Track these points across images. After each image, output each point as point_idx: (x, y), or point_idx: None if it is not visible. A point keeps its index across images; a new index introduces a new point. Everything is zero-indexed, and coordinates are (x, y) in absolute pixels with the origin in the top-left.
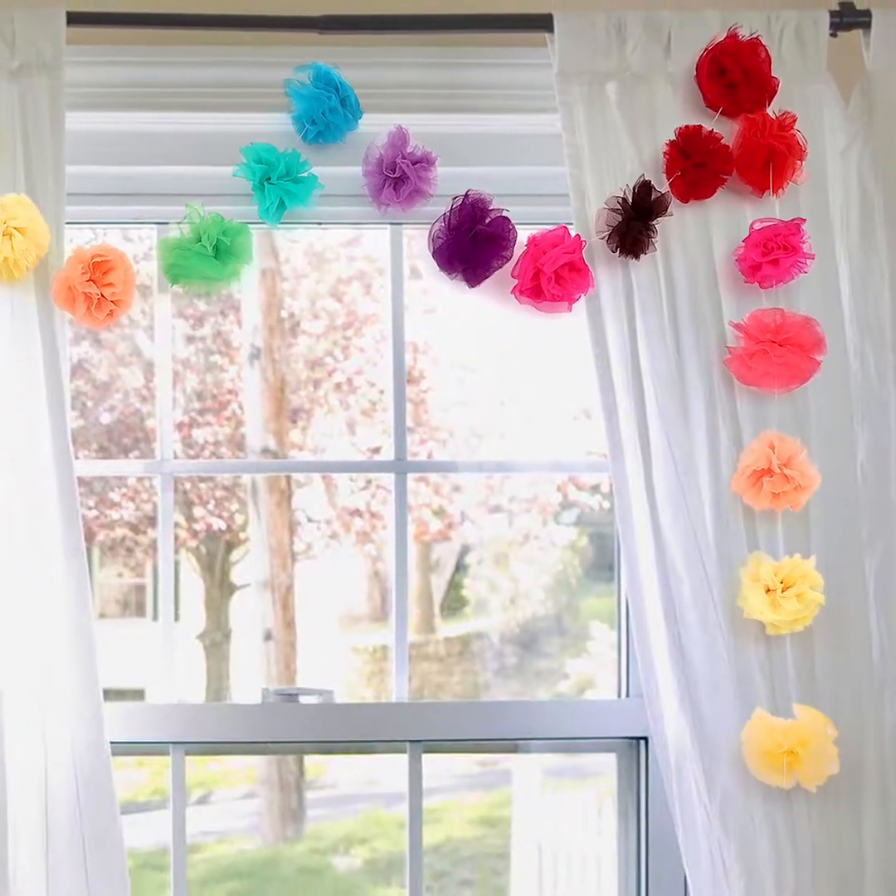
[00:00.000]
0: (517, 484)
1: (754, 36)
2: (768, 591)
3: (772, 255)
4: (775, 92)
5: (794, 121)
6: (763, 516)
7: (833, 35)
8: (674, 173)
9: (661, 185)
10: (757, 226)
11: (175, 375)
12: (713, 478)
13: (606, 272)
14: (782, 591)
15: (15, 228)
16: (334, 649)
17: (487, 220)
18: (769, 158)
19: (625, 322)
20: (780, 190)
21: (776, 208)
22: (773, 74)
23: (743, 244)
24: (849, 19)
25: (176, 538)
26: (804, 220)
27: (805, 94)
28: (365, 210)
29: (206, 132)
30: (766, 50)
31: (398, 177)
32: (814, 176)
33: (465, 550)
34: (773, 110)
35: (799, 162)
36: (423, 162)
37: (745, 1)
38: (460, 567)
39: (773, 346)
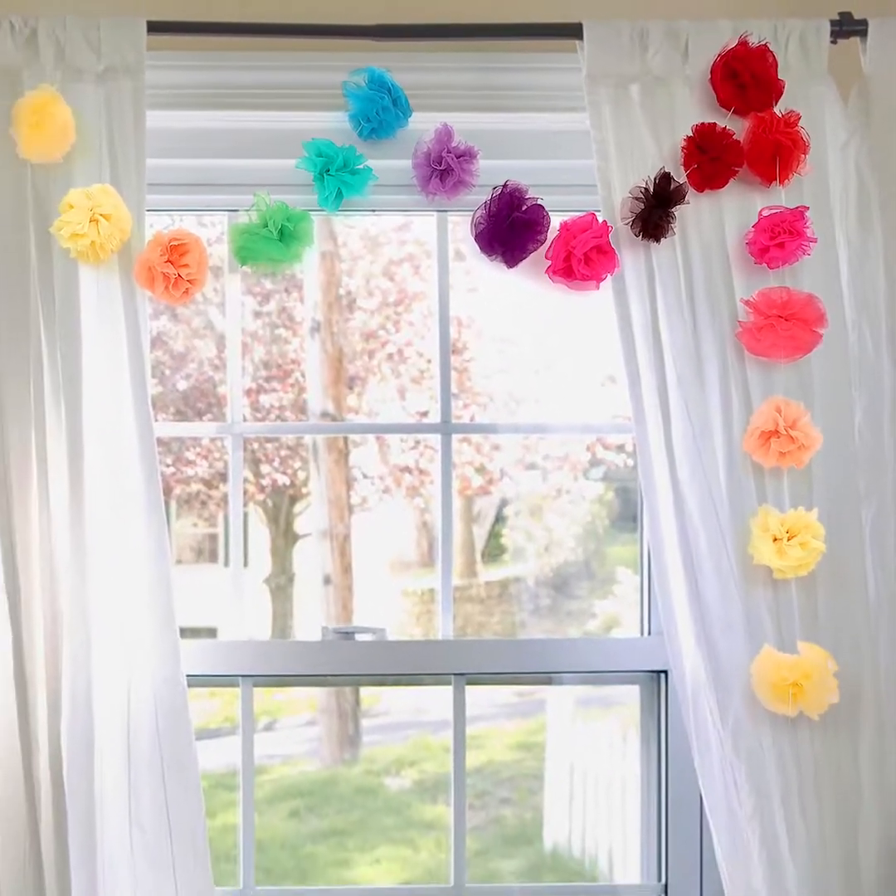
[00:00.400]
0: (550, 444)
1: (763, 43)
2: (775, 539)
3: (778, 238)
4: (781, 93)
5: (799, 119)
6: (771, 473)
7: (833, 42)
8: (691, 166)
9: (680, 177)
10: (765, 213)
11: (244, 346)
12: (726, 438)
13: (630, 254)
14: (788, 540)
15: (101, 215)
16: (387, 592)
17: (524, 208)
18: (776, 152)
19: (647, 299)
20: (786, 181)
21: (782, 197)
22: (779, 77)
23: (752, 229)
24: (848, 27)
25: (245, 492)
26: (807, 207)
27: (808, 94)
28: (414, 199)
29: (272, 129)
30: (774, 55)
31: (444, 169)
32: (816, 168)
33: (503, 503)
34: (779, 109)
35: (803, 156)
36: (466, 155)
37: (754, 11)
38: (499, 518)
39: (780, 321)
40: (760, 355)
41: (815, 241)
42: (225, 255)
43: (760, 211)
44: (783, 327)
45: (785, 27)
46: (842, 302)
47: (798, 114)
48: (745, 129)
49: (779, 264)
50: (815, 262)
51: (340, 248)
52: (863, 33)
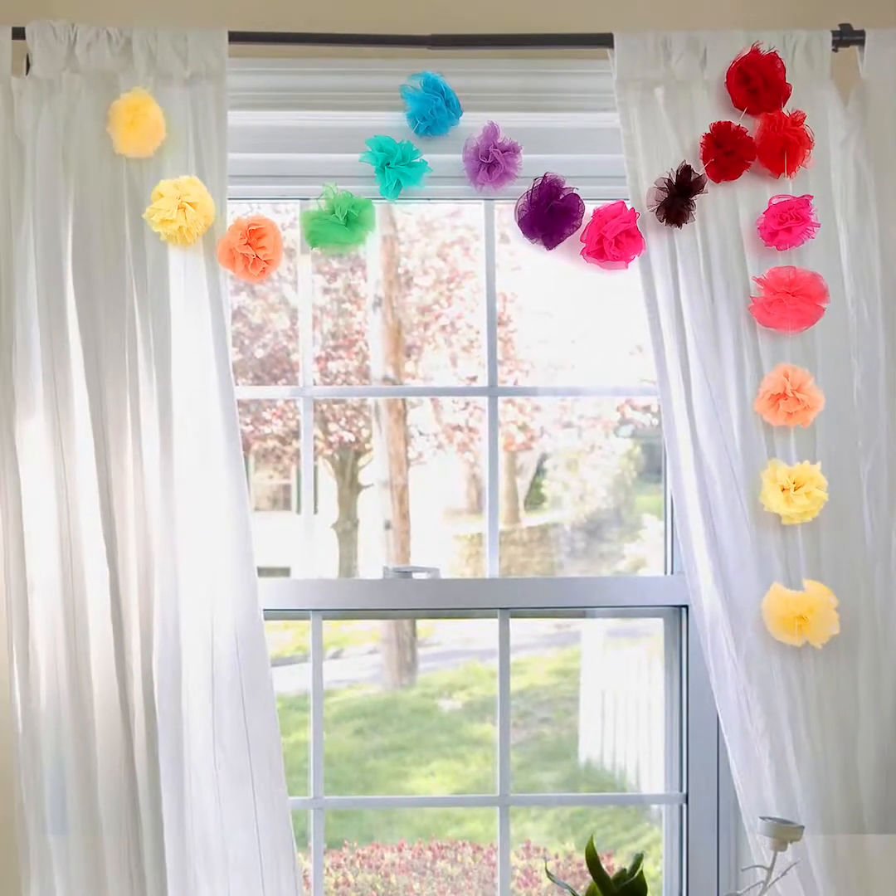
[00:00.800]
0: (585, 405)
1: (772, 51)
2: (784, 489)
3: (786, 223)
4: (789, 95)
5: (804, 118)
6: (779, 431)
7: (835, 50)
8: (709, 159)
9: (699, 169)
10: (774, 201)
11: (314, 319)
12: (740, 400)
13: (655, 238)
14: (794, 490)
15: (188, 203)
16: (440, 536)
17: (561, 197)
18: (784, 148)
19: (670, 277)
20: (793, 173)
21: (789, 187)
22: (787, 81)
23: (763, 215)
24: (847, 37)
25: (315, 448)
26: (812, 196)
27: (812, 97)
28: (464, 188)
29: (339, 127)
30: (782, 61)
31: (491, 162)
32: (819, 162)
33: (543, 457)
34: (787, 109)
35: (808, 151)
36: (511, 151)
37: (765, 22)
38: (539, 470)
39: (788, 296)
40: (770, 327)
41: (819, 226)
42: (297, 238)
43: (770, 199)
44: (790, 302)
45: (792, 37)
46: (842, 280)
47: (803, 113)
48: (756, 128)
49: (786, 246)
50: (818, 244)
51: (399, 232)
52: (861, 43)
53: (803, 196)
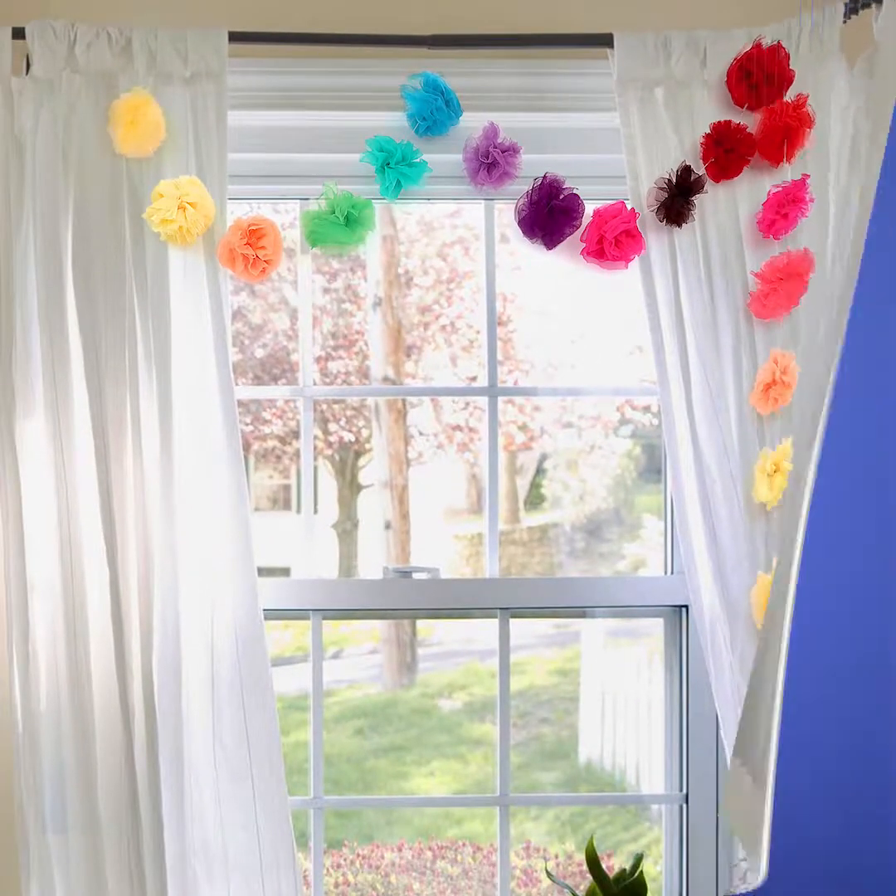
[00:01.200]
0: (584, 405)
1: (776, 41)
2: (769, 476)
3: (783, 209)
4: (791, 83)
5: (806, 100)
6: (768, 418)
7: (847, 18)
8: (709, 159)
9: (699, 169)
10: (773, 191)
11: (314, 319)
12: (737, 397)
13: (655, 237)
14: (773, 473)
15: (188, 203)
16: (440, 536)
17: (561, 197)
18: (785, 136)
19: (670, 277)
20: (792, 159)
21: (788, 172)
22: (793, 63)
23: (762, 207)
24: (862, 2)
25: (315, 448)
26: (808, 175)
27: (817, 76)
28: (464, 188)
29: (339, 127)
30: (785, 50)
31: (490, 162)
32: (819, 139)
33: (543, 457)
34: (791, 92)
35: (808, 129)
36: (511, 151)
37: (767, 16)
38: (540, 470)
39: (781, 282)
40: (767, 319)
41: (813, 201)
42: (297, 238)
43: (769, 190)
44: (783, 287)
45: (799, 23)
46: (826, 251)
47: (806, 96)
48: (757, 121)
49: (783, 233)
50: (811, 221)
51: (399, 232)
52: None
53: (800, 177)
